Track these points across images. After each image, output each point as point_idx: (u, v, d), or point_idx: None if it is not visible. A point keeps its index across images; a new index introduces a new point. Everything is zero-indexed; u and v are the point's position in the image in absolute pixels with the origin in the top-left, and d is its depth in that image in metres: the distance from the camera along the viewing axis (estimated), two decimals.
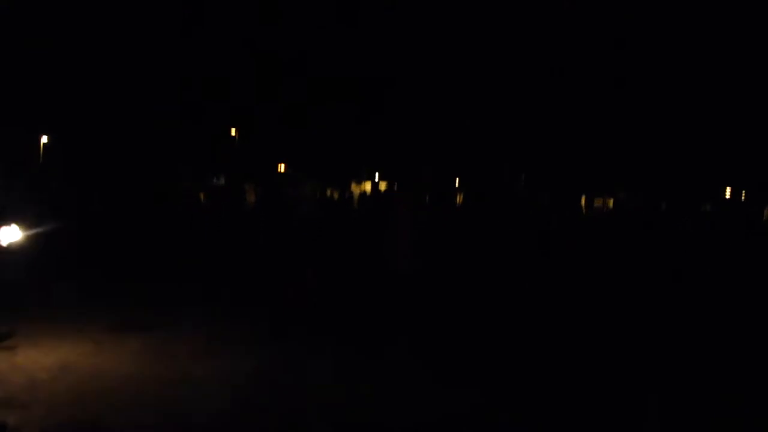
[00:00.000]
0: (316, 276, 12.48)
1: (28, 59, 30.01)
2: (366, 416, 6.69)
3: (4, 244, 7.41)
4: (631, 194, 45.57)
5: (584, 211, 39.77)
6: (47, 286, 11.38)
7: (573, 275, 15.67)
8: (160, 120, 35.00)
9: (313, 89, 33.69)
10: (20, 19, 28.92)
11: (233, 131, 42.57)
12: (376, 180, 46.49)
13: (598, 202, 48.89)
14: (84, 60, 31.53)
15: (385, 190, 35.01)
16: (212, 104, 36.17)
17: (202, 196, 28.16)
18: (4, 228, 7.45)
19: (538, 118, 32.93)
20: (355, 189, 44.67)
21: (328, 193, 34.43)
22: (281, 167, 44.47)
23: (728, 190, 46.14)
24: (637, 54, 31.11)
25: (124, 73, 32.16)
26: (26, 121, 32.16)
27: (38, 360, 7.86)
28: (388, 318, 10.50)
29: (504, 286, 13.80)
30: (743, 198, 45.88)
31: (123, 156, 32.65)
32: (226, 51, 33.02)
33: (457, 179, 45.19)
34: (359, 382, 7.64)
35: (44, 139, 38.94)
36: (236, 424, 6.37)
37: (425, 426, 6.49)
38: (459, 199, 40.89)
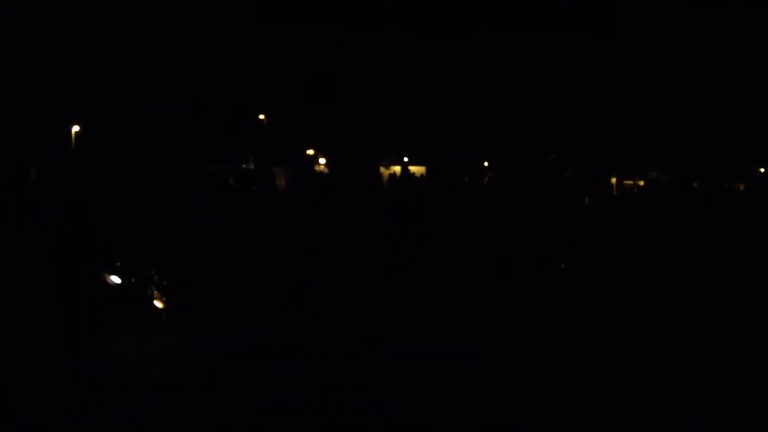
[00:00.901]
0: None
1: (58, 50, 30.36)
2: None
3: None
4: (663, 174, 45.10)
5: (614, 190, 39.50)
6: None
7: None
8: (188, 107, 35.20)
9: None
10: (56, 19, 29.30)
11: (262, 116, 42.68)
12: (405, 160, 46.34)
13: (628, 183, 48.47)
14: (110, 44, 31.83)
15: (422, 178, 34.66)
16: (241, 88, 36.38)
17: (231, 180, 28.17)
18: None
19: (568, 98, 32.72)
20: (384, 172, 44.54)
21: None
22: (310, 151, 44.52)
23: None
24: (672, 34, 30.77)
25: (152, 61, 32.38)
26: (57, 110, 32.50)
27: None
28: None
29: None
30: None
31: (152, 143, 32.81)
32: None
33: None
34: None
35: (75, 128, 39.20)
36: None
37: None
38: (486, 179, 40.65)
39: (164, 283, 10.22)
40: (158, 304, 9.65)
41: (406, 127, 41.31)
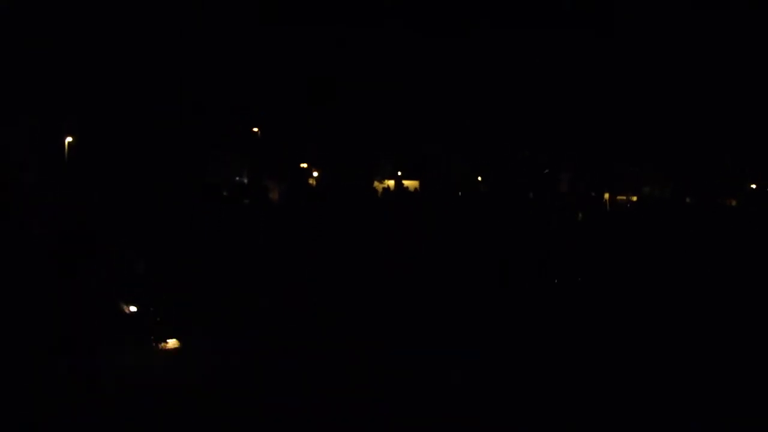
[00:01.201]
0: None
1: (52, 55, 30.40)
2: None
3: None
4: (656, 189, 45.28)
5: (607, 206, 39.58)
6: None
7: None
8: (183, 118, 35.21)
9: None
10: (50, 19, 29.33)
11: (256, 129, 42.75)
12: (399, 174, 46.52)
13: (621, 198, 48.61)
14: (104, 55, 31.92)
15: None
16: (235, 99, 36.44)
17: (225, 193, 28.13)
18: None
19: (562, 111, 32.84)
20: (378, 186, 44.65)
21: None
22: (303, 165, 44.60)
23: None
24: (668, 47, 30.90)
25: (150, 61, 32.44)
26: (56, 110, 32.46)
27: None
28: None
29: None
30: None
31: (146, 154, 32.77)
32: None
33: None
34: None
35: (69, 138, 39.12)
36: None
37: None
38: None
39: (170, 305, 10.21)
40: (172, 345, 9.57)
41: (405, 126, 41.44)
